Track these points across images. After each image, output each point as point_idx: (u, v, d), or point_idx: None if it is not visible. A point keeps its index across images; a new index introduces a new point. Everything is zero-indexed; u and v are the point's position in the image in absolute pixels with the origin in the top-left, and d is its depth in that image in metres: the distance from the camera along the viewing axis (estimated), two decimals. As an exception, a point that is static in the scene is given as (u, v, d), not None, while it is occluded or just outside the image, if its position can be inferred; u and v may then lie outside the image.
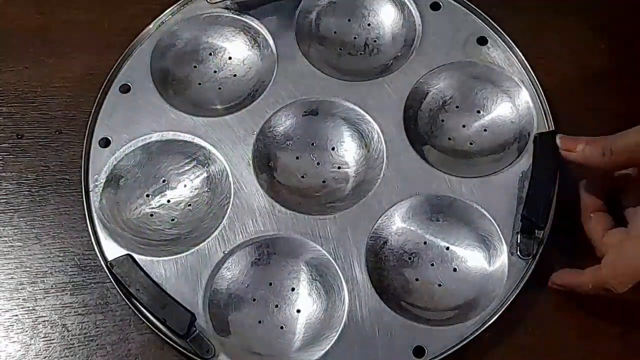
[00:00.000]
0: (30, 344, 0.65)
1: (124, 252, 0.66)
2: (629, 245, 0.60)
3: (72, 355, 0.65)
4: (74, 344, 0.65)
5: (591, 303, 0.66)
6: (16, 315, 0.66)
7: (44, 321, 0.66)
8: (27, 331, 0.66)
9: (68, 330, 0.66)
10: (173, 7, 0.76)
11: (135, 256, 0.65)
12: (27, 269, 0.68)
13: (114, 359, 0.65)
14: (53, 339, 0.65)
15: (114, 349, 0.65)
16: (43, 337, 0.65)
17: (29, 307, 0.66)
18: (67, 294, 0.67)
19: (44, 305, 0.67)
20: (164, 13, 0.76)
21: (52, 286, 0.67)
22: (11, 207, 0.70)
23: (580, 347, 0.65)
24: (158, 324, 0.63)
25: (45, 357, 0.65)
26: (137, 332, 0.65)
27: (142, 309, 0.63)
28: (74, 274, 0.68)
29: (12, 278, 0.67)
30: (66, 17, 0.79)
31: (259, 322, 0.65)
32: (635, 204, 0.63)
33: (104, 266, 0.65)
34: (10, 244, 0.69)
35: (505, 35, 0.74)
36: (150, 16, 0.76)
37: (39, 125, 0.74)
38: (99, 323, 0.66)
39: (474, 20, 0.75)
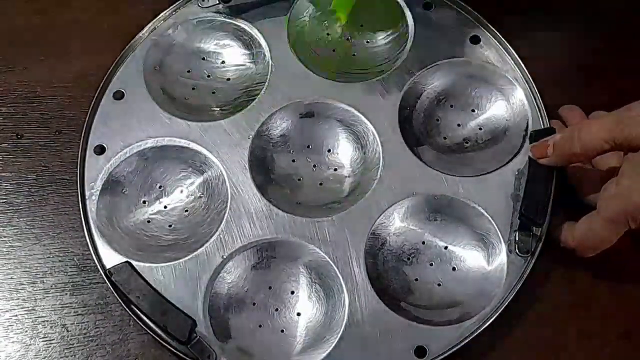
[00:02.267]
0: (30, 344, 0.65)
1: (122, 259, 0.65)
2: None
3: (71, 356, 0.65)
4: (73, 344, 0.65)
5: (591, 302, 0.66)
6: (16, 316, 0.66)
7: (43, 321, 0.66)
8: (26, 331, 0.66)
9: (68, 331, 0.66)
10: (165, 12, 0.76)
11: (134, 263, 0.65)
12: (27, 269, 0.68)
13: (114, 359, 0.65)
14: (53, 339, 0.65)
15: (114, 349, 0.65)
16: (43, 337, 0.65)
17: (28, 307, 0.66)
18: (66, 294, 0.67)
19: (43, 306, 0.66)
20: (157, 18, 0.76)
21: (51, 286, 0.67)
22: (11, 207, 0.70)
23: (580, 346, 0.65)
24: (158, 330, 0.63)
25: (45, 357, 0.65)
26: (137, 332, 0.65)
27: (142, 315, 0.63)
28: (74, 274, 0.68)
29: (11, 278, 0.67)
30: (66, 17, 0.79)
31: (259, 326, 0.65)
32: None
33: (103, 275, 0.65)
34: (10, 244, 0.69)
35: (498, 34, 0.74)
36: (151, 16, 0.75)
37: (39, 125, 0.74)
38: (99, 323, 0.66)
39: (466, 19, 0.75)
